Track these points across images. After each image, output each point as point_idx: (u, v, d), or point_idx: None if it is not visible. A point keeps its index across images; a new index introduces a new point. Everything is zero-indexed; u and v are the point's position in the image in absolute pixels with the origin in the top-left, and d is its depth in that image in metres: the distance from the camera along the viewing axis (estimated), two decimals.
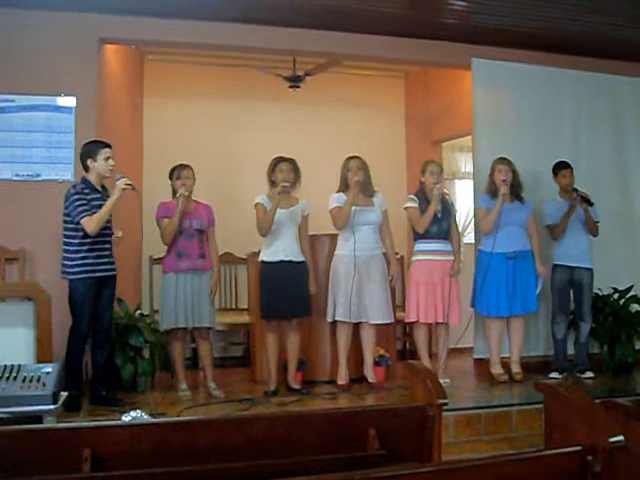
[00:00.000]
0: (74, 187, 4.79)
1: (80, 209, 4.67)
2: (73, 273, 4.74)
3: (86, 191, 4.76)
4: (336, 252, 5.47)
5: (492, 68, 6.42)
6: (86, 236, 4.71)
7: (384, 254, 5.51)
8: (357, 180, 5.33)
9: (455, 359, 6.12)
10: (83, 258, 4.73)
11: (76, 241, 4.73)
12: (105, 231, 4.84)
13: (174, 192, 5.25)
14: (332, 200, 5.44)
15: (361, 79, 7.95)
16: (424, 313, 5.49)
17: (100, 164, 4.79)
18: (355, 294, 5.29)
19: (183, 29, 5.79)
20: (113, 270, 4.93)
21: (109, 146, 4.86)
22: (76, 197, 4.70)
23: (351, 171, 5.41)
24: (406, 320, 5.70)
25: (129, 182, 4.74)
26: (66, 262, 4.76)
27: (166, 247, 5.25)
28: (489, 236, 5.70)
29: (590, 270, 5.95)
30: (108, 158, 4.80)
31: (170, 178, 5.28)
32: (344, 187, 5.46)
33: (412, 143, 8.21)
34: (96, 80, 5.61)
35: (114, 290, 4.98)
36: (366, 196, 5.46)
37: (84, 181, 4.83)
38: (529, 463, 2.15)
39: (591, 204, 5.82)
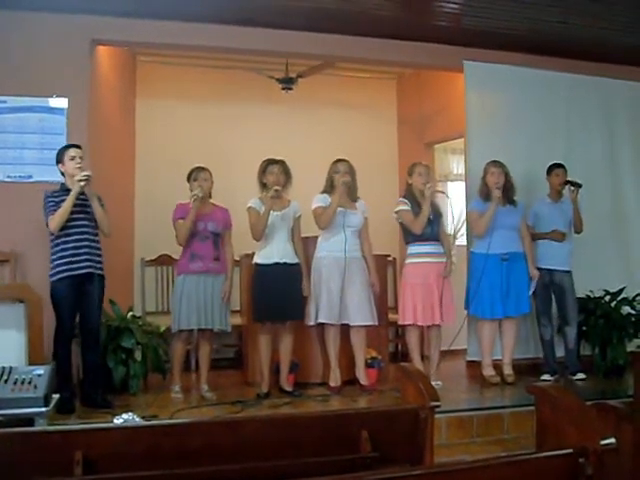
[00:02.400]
0: (47, 192, 4.87)
1: (47, 210, 4.77)
2: (52, 275, 4.79)
3: (56, 194, 4.82)
4: (317, 254, 5.47)
5: (484, 71, 6.44)
6: (59, 236, 4.75)
7: (363, 258, 5.53)
8: (345, 181, 5.35)
9: (447, 361, 6.12)
10: (58, 258, 4.77)
11: (52, 243, 4.81)
12: (82, 229, 4.80)
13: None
14: (315, 200, 5.46)
15: (353, 81, 7.96)
16: (421, 315, 5.48)
17: (67, 165, 4.84)
18: (339, 295, 5.30)
19: (175, 31, 5.77)
20: (96, 269, 4.86)
21: (76, 146, 4.90)
22: (46, 200, 4.81)
23: (339, 173, 5.43)
24: (400, 323, 5.69)
25: (86, 173, 4.73)
26: (50, 264, 4.82)
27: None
28: (484, 238, 5.70)
29: (569, 273, 5.97)
30: (73, 158, 4.83)
31: (188, 180, 5.28)
32: (329, 188, 5.49)
33: (404, 145, 8.22)
34: (88, 81, 5.59)
35: (100, 290, 4.91)
36: (351, 200, 5.48)
37: (61, 185, 4.90)
38: (521, 465, 2.15)
39: (580, 186, 5.87)
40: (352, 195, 5.49)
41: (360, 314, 5.37)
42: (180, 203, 5.28)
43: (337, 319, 5.34)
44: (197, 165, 5.30)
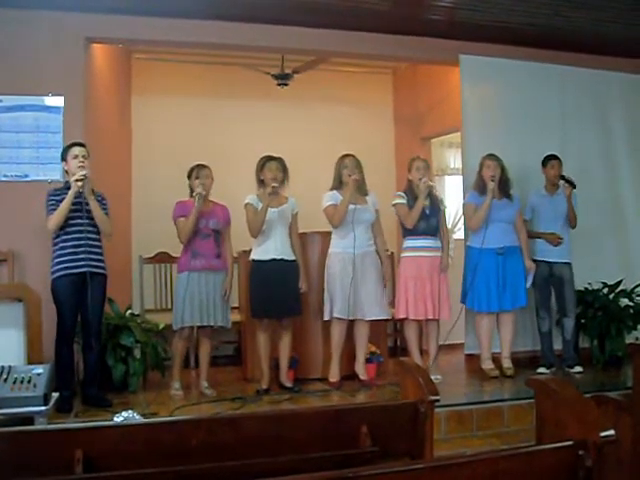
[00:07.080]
0: (49, 190, 4.89)
1: (48, 209, 4.78)
2: (52, 272, 4.80)
3: (58, 192, 4.83)
4: (331, 250, 5.46)
5: (480, 64, 6.43)
6: (59, 235, 4.79)
7: (377, 252, 5.52)
8: (356, 178, 5.33)
9: (446, 355, 6.13)
10: (58, 257, 4.80)
11: (53, 242, 4.84)
12: (81, 228, 4.78)
13: (192, 192, 5.22)
14: (326, 198, 5.44)
15: (349, 76, 7.95)
16: (414, 309, 5.50)
17: (70, 164, 4.84)
18: (352, 291, 5.31)
19: (170, 27, 5.76)
20: (96, 268, 4.85)
21: (79, 145, 4.89)
22: (47, 198, 4.82)
23: (347, 169, 5.41)
24: (396, 317, 5.71)
25: (82, 173, 4.71)
26: (50, 263, 4.85)
27: (180, 246, 5.24)
28: (478, 232, 5.71)
29: (569, 265, 5.98)
30: (76, 157, 4.82)
31: (189, 178, 5.25)
32: (338, 185, 5.46)
33: (401, 140, 8.22)
34: (84, 80, 5.59)
35: (101, 290, 4.91)
36: (361, 195, 5.47)
37: (64, 183, 4.92)
38: (521, 458, 2.15)
39: (574, 186, 5.89)
40: (362, 190, 5.48)
41: (374, 308, 5.39)
42: (180, 201, 5.26)
43: (348, 314, 5.35)
44: (198, 162, 5.27)
